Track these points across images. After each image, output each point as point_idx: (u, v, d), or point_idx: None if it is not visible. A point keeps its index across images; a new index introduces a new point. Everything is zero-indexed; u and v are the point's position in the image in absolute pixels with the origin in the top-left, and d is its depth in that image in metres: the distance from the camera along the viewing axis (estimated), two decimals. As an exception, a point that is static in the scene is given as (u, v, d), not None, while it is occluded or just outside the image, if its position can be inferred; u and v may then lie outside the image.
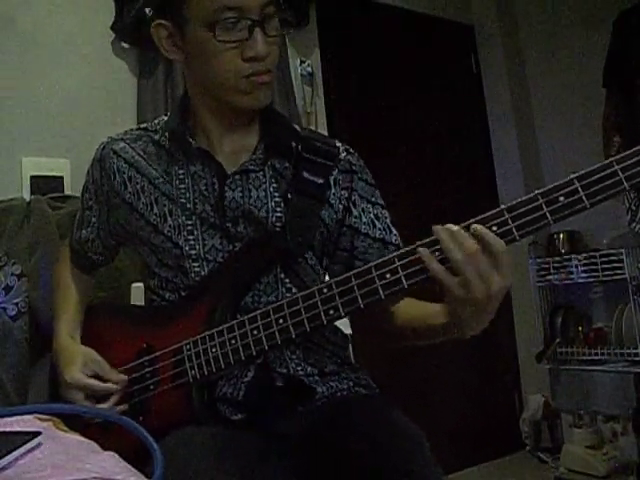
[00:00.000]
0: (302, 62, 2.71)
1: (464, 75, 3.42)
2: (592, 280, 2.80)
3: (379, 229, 1.09)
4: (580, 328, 2.90)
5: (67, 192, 2.01)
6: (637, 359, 2.58)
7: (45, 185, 2.01)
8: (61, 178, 2.05)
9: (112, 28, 2.25)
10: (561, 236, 2.98)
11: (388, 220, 1.11)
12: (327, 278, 1.14)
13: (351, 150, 1.13)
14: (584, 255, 2.80)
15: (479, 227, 0.81)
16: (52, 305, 1.22)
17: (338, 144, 1.11)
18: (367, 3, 3.04)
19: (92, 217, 1.17)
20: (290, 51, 2.65)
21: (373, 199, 1.10)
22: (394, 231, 1.11)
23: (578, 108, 3.02)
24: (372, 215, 1.09)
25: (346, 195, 1.07)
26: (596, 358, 2.75)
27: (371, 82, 3.03)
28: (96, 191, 1.15)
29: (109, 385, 1.04)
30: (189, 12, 0.96)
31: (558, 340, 2.88)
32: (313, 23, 2.77)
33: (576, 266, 2.80)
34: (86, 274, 1.25)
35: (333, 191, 1.07)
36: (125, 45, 2.27)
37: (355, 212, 1.08)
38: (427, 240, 0.85)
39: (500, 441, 3.09)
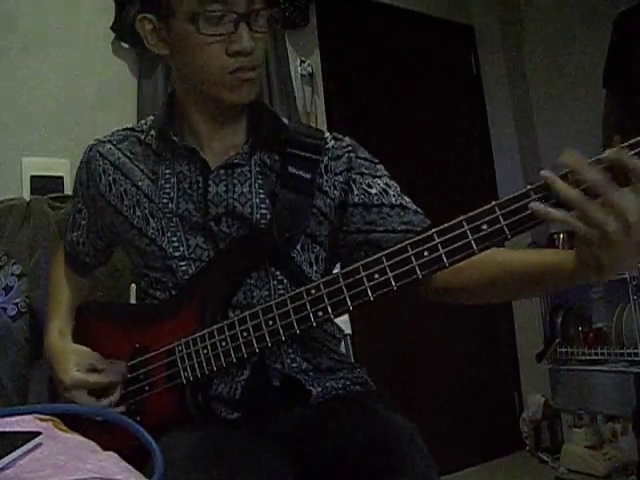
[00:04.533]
0: (302, 62, 2.71)
1: (464, 76, 3.42)
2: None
3: (393, 196, 1.05)
4: (580, 328, 2.90)
5: (67, 192, 2.01)
6: (637, 359, 2.57)
7: (45, 185, 2.01)
8: (61, 178, 2.05)
9: (112, 28, 2.25)
10: (561, 236, 2.98)
11: (399, 188, 1.07)
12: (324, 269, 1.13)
13: (339, 136, 1.10)
14: (584, 255, 2.79)
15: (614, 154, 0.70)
16: (46, 308, 1.22)
17: (326, 134, 1.09)
18: (367, 3, 3.04)
19: (82, 220, 1.17)
20: (290, 51, 2.65)
21: (378, 173, 1.07)
22: (407, 198, 1.07)
23: (578, 108, 3.02)
24: (383, 184, 1.05)
25: (341, 179, 1.04)
26: (596, 358, 2.75)
27: (371, 82, 3.03)
28: (83, 194, 1.15)
29: (109, 377, 1.03)
30: (174, 4, 0.95)
31: (558, 340, 2.88)
32: (313, 23, 2.77)
33: (576, 266, 2.80)
34: (81, 276, 1.24)
35: (325, 178, 1.04)
36: (125, 45, 2.27)
37: (356, 190, 1.04)
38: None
39: (500, 441, 3.09)
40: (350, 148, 1.08)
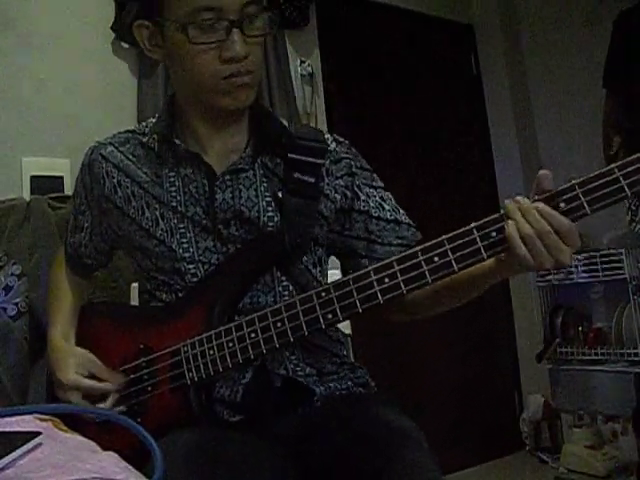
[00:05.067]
0: (302, 62, 2.71)
1: (464, 75, 3.42)
2: (592, 280, 2.79)
3: (388, 210, 1.08)
4: (580, 328, 2.90)
5: (67, 192, 2.01)
6: (637, 359, 2.57)
7: (45, 185, 2.01)
8: (61, 178, 2.05)
9: (112, 28, 2.25)
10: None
11: (393, 200, 1.11)
12: (330, 275, 1.14)
13: (340, 139, 1.12)
14: (584, 255, 2.80)
15: (546, 208, 0.82)
16: (46, 310, 1.22)
17: (327, 136, 1.11)
18: (367, 3, 3.04)
19: (84, 222, 1.17)
20: (290, 51, 2.65)
21: (374, 183, 1.10)
22: (402, 210, 1.11)
23: (578, 108, 3.02)
24: (378, 198, 1.09)
25: (343, 183, 1.07)
26: (596, 358, 2.75)
27: (371, 82, 3.03)
28: (86, 196, 1.15)
29: (106, 385, 1.03)
30: (167, 13, 0.96)
31: (558, 340, 2.88)
32: (313, 23, 2.77)
33: (576, 266, 2.80)
34: (81, 278, 1.24)
35: (327, 181, 1.06)
36: (125, 45, 2.28)
37: (362, 196, 1.07)
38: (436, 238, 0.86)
39: (500, 441, 3.09)
40: (351, 155, 1.10)
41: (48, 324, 1.17)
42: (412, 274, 0.86)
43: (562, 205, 0.81)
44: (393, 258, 0.88)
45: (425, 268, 0.86)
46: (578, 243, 0.83)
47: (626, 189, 0.78)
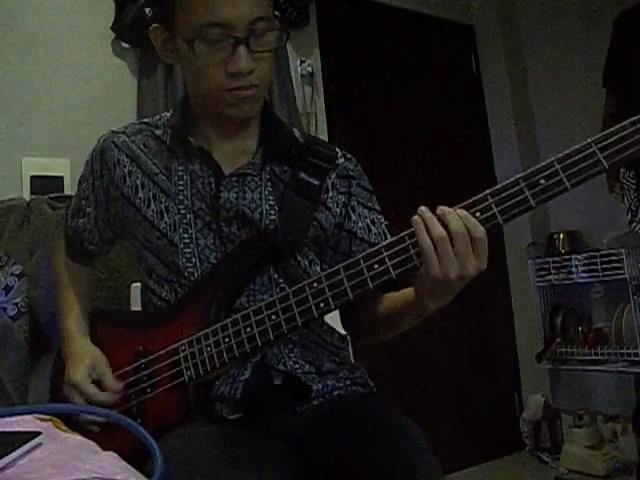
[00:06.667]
0: (302, 62, 2.71)
1: (464, 75, 3.42)
2: (592, 280, 2.80)
3: (374, 234, 1.10)
4: (580, 328, 2.90)
5: (67, 192, 2.01)
6: (637, 359, 2.58)
7: (45, 185, 2.01)
8: (61, 178, 2.05)
9: (112, 28, 2.25)
10: (561, 236, 2.98)
11: (384, 225, 1.13)
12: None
13: (349, 156, 1.14)
14: (584, 255, 2.80)
15: (462, 212, 0.87)
16: (55, 299, 1.22)
17: (337, 150, 1.13)
18: (367, 3, 3.04)
19: (90, 208, 1.17)
20: (290, 51, 2.65)
21: (370, 204, 1.12)
22: (389, 237, 1.11)
23: (578, 108, 3.02)
24: (368, 220, 1.11)
25: (343, 200, 1.09)
26: (596, 358, 2.75)
27: (371, 82, 3.03)
28: (94, 182, 1.15)
29: (105, 397, 1.03)
30: (175, 25, 0.98)
31: (558, 340, 2.88)
32: (313, 23, 2.78)
33: (576, 266, 2.80)
34: (83, 265, 1.24)
35: (331, 194, 1.08)
36: (125, 45, 2.28)
37: (353, 217, 1.10)
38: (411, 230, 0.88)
39: (500, 441, 3.09)
40: (355, 173, 1.12)
41: (61, 314, 1.18)
42: (400, 258, 0.88)
43: (542, 181, 0.83)
44: (382, 244, 0.90)
45: (412, 252, 0.88)
46: (485, 259, 0.84)
47: (603, 162, 0.80)
